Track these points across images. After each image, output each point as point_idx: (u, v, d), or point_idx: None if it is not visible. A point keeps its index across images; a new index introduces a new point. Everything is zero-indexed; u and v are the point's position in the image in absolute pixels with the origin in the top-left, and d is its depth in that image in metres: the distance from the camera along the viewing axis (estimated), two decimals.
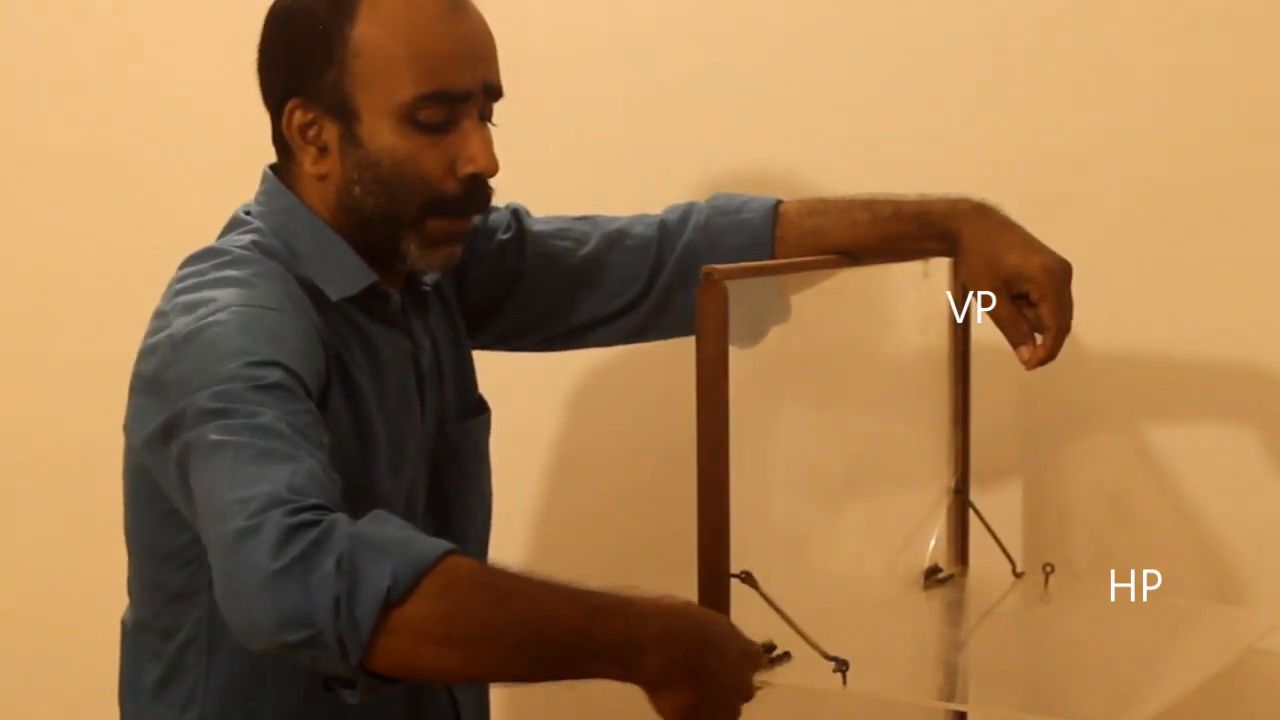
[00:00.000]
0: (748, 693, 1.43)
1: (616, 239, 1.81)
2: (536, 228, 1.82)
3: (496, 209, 1.81)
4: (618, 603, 1.38)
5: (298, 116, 1.61)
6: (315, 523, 1.34)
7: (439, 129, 1.59)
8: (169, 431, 1.47)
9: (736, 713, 1.42)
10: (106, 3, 2.49)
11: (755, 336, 1.61)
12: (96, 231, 2.51)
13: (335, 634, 1.31)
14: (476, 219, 1.68)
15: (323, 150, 1.61)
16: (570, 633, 1.36)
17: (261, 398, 1.42)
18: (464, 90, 1.59)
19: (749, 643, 1.45)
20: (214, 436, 1.41)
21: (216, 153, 2.38)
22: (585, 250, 1.81)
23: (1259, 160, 1.89)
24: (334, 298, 1.61)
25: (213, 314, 1.49)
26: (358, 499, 1.49)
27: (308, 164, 1.62)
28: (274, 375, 1.45)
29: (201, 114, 2.41)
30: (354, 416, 1.60)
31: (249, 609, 1.34)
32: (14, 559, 2.59)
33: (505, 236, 1.81)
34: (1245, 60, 1.89)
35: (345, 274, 1.62)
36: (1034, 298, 1.66)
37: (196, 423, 1.43)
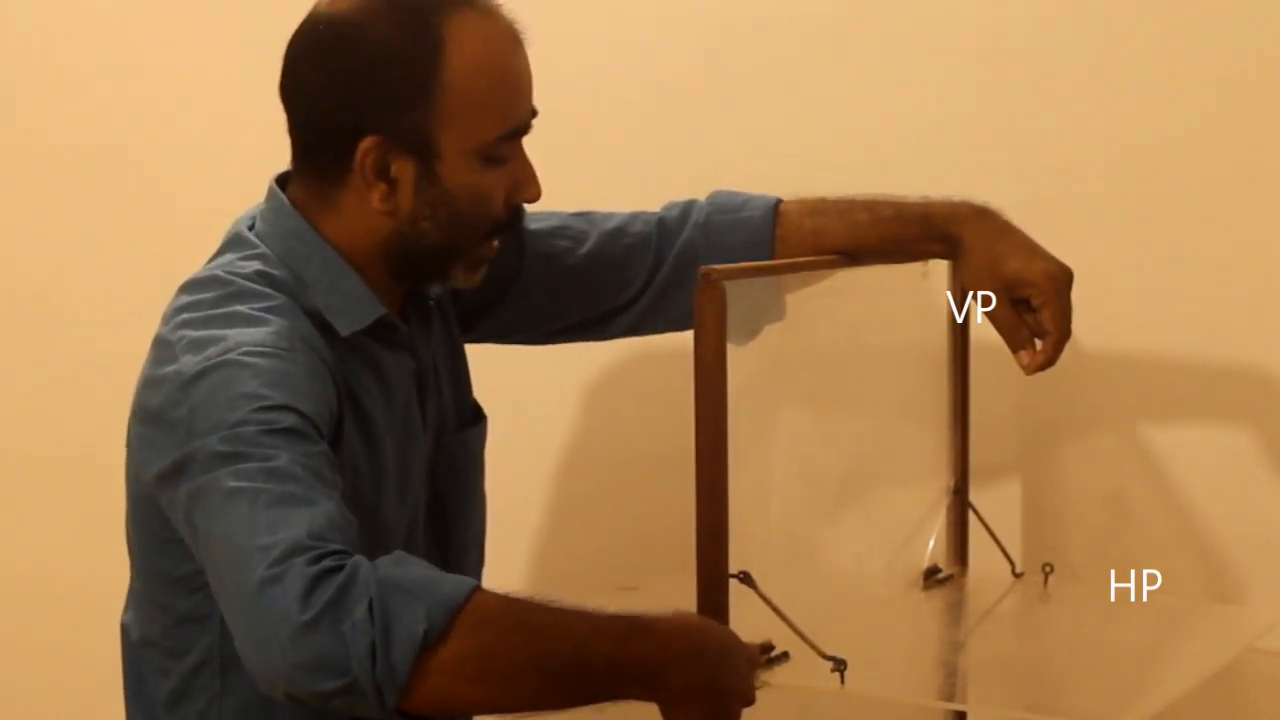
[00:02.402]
0: (751, 699, 1.44)
1: (615, 237, 1.81)
2: (533, 226, 1.81)
3: None
4: (642, 625, 1.39)
5: (373, 156, 1.55)
6: (339, 568, 1.33)
7: (506, 160, 1.59)
8: (179, 472, 1.45)
9: (737, 716, 1.43)
10: (109, 1, 2.49)
11: (750, 334, 1.61)
12: (98, 231, 2.50)
13: (372, 680, 1.32)
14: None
15: (392, 184, 1.57)
16: (600, 658, 1.37)
17: (275, 441, 1.41)
18: (529, 123, 1.61)
19: (751, 649, 1.47)
20: (229, 483, 1.39)
21: (219, 153, 2.38)
22: (584, 249, 1.81)
23: (1258, 160, 1.89)
24: (344, 333, 1.58)
25: (223, 354, 1.47)
26: (368, 526, 1.50)
27: (376, 201, 1.57)
28: (287, 419, 1.43)
29: (204, 114, 2.41)
30: (367, 446, 1.59)
31: (278, 658, 1.33)
32: (14, 559, 2.59)
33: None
34: (1244, 60, 1.89)
35: (354, 307, 1.59)
36: (1035, 303, 1.66)
37: (209, 467, 1.42)
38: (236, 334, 1.49)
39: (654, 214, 1.82)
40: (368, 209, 1.57)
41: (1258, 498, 1.91)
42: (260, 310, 1.52)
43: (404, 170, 1.56)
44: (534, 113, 1.62)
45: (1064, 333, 1.66)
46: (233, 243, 1.63)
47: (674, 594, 1.48)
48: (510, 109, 1.58)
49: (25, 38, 2.53)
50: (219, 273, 1.58)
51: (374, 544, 1.51)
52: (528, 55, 1.62)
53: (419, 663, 1.32)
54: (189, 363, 1.48)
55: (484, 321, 1.82)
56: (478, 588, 1.36)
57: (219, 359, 1.47)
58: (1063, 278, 1.67)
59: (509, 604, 1.38)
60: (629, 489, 2.22)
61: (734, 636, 1.45)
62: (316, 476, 1.40)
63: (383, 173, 1.56)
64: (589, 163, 2.19)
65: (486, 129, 1.57)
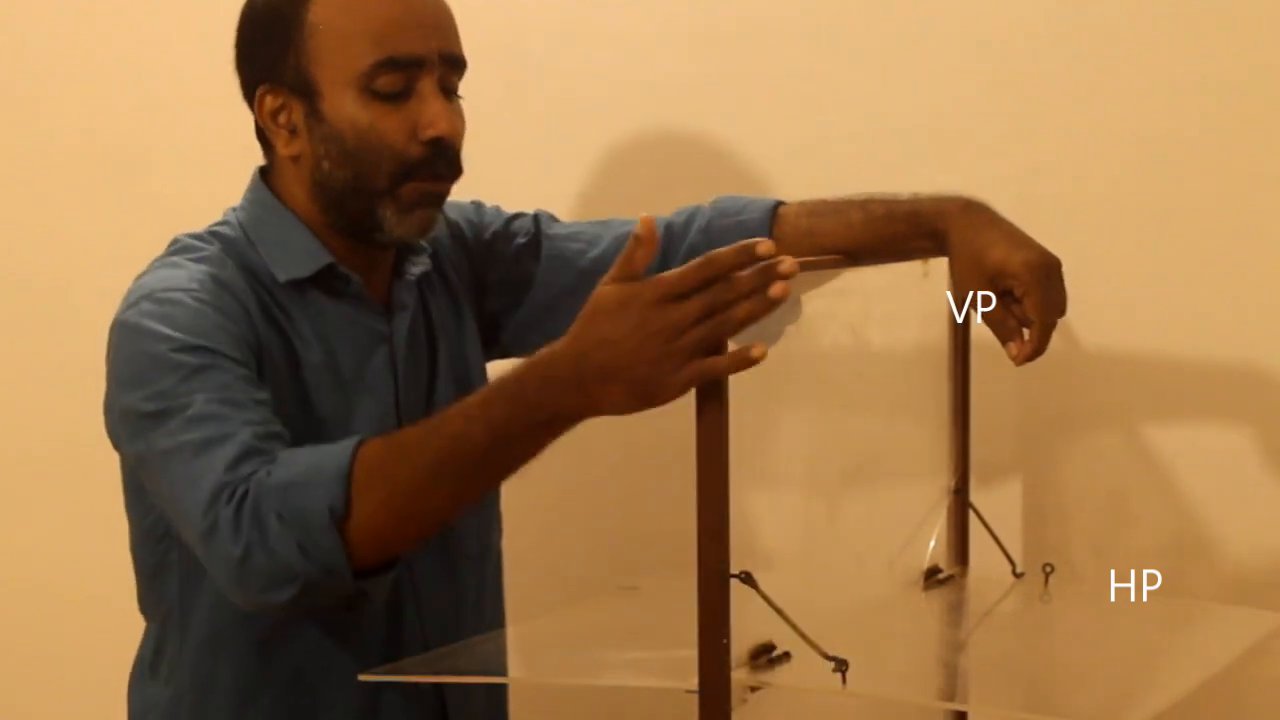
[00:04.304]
0: (670, 329, 1.38)
1: (625, 241, 1.82)
2: (553, 231, 1.86)
3: (523, 215, 1.85)
4: (500, 386, 1.46)
5: (268, 102, 1.67)
6: (246, 494, 1.45)
7: (398, 97, 1.63)
8: (120, 429, 1.59)
9: (680, 362, 1.39)
10: (108, 2, 2.49)
11: (771, 337, 1.60)
12: (99, 231, 2.51)
13: (318, 571, 1.45)
14: (451, 184, 1.71)
15: (293, 132, 1.67)
16: (481, 437, 1.45)
17: (190, 386, 1.53)
18: (417, 56, 1.63)
19: (657, 286, 1.39)
20: (162, 443, 1.52)
21: (222, 154, 2.37)
22: (594, 252, 1.84)
23: (1259, 160, 1.89)
24: (281, 279, 1.66)
25: (135, 302, 1.59)
26: None
27: (280, 146, 1.68)
28: (196, 358, 1.54)
29: (203, 114, 2.41)
30: (296, 389, 1.66)
31: (240, 594, 1.49)
32: (15, 557, 2.60)
33: (523, 241, 1.85)
34: (1245, 60, 1.89)
35: (298, 257, 1.67)
36: (1018, 293, 1.65)
37: (143, 429, 1.55)
38: (154, 279, 1.62)
39: (664, 219, 1.85)
40: (285, 159, 1.68)
41: (1258, 498, 1.91)
42: (190, 260, 1.64)
43: (296, 112, 1.66)
44: (446, 55, 1.65)
45: (1048, 322, 1.65)
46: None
47: (674, 594, 1.48)
48: (384, 40, 1.63)
49: (25, 38, 2.53)
50: (181, 235, 1.70)
51: None
52: (436, 1, 1.67)
53: (345, 535, 1.45)
54: (119, 313, 1.61)
55: (506, 331, 1.87)
56: (359, 446, 1.46)
57: (133, 306, 1.59)
58: (1043, 266, 1.65)
59: (386, 444, 1.48)
60: (630, 488, 2.22)
61: (607, 303, 1.41)
62: (233, 405, 1.52)
63: (284, 121, 1.67)
64: (589, 163, 2.19)
65: (357, 59, 1.62)
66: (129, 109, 2.48)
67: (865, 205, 1.76)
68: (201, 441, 1.50)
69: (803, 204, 1.80)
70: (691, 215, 1.84)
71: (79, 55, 2.50)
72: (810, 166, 2.07)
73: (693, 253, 1.80)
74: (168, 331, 1.56)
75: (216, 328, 1.57)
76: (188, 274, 1.62)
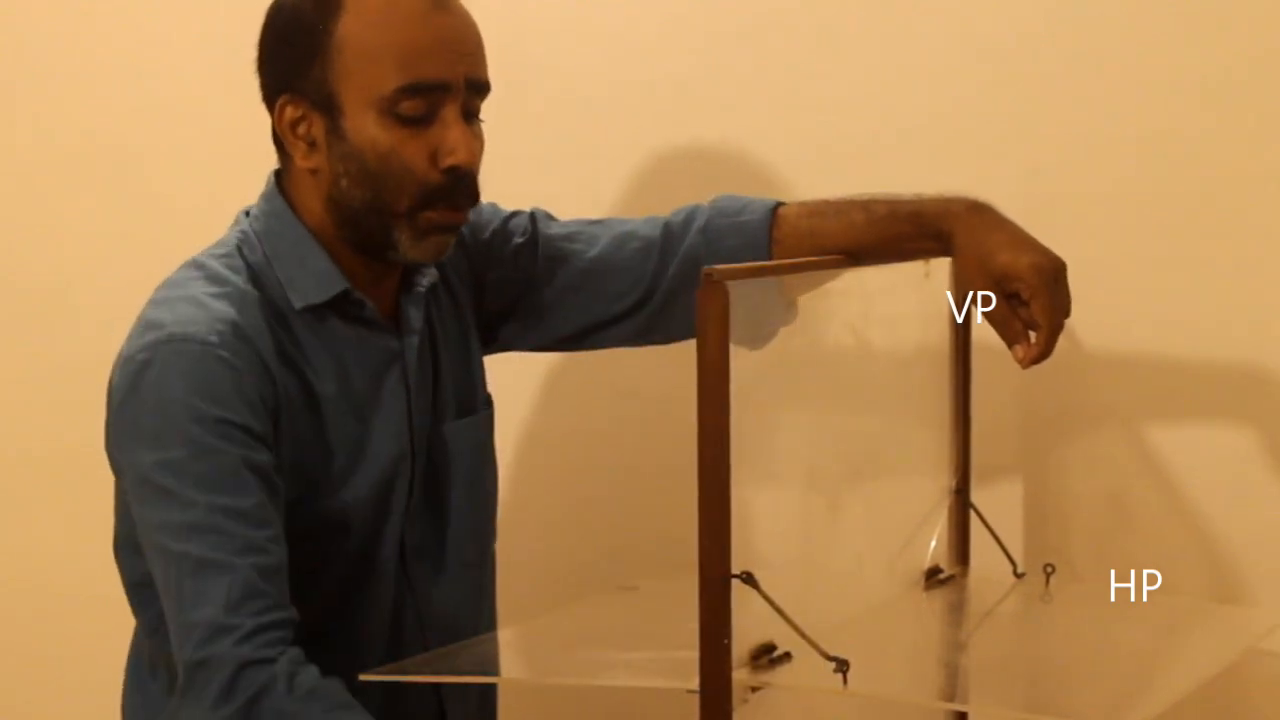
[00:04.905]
0: None
1: (624, 241, 1.83)
2: (551, 230, 1.85)
3: (519, 213, 1.83)
4: None
5: (288, 112, 1.65)
6: (257, 664, 1.46)
7: (421, 121, 1.62)
8: (121, 470, 1.59)
9: None
10: (108, 2, 2.49)
11: (765, 338, 1.60)
12: (99, 231, 2.50)
13: None
14: (469, 212, 1.70)
15: (312, 145, 1.64)
16: None
17: (199, 466, 1.51)
18: (442, 82, 1.62)
19: None
20: (159, 537, 1.52)
21: (222, 153, 2.38)
22: (593, 252, 1.83)
23: (1259, 160, 1.89)
24: (298, 305, 1.65)
25: (154, 346, 1.56)
26: (317, 505, 1.59)
27: (298, 158, 1.66)
28: (210, 435, 1.52)
29: (207, 114, 2.41)
30: (312, 421, 1.64)
31: None
32: (15, 557, 2.59)
33: (521, 240, 1.84)
34: (1245, 60, 1.89)
35: (315, 282, 1.65)
36: (1025, 296, 1.65)
37: (146, 498, 1.54)
38: (174, 320, 1.58)
39: (662, 219, 1.84)
40: (302, 171, 1.66)
41: (1258, 498, 1.91)
42: (210, 295, 1.61)
43: (316, 127, 1.64)
44: (472, 81, 1.64)
45: (1055, 325, 1.65)
46: (235, 222, 1.72)
47: (675, 594, 1.48)
48: (411, 64, 1.61)
49: (25, 38, 2.53)
50: (201, 256, 1.67)
51: (321, 516, 1.62)
52: (458, 20, 1.64)
53: None
54: (133, 345, 1.58)
55: (504, 329, 1.86)
56: None
57: (151, 348, 1.56)
58: (1050, 270, 1.65)
59: None
60: (631, 488, 2.22)
61: None
62: (235, 518, 1.50)
63: (303, 132, 1.65)
64: (590, 163, 2.19)
65: (382, 81, 1.60)
66: (129, 109, 2.48)
67: (867, 206, 1.75)
68: (200, 561, 1.50)
69: (803, 205, 1.79)
70: (690, 215, 1.82)
71: (79, 55, 2.50)
72: (811, 166, 2.07)
73: (691, 253, 1.80)
74: (185, 393, 1.54)
75: (234, 392, 1.56)
76: (209, 319, 1.58)
